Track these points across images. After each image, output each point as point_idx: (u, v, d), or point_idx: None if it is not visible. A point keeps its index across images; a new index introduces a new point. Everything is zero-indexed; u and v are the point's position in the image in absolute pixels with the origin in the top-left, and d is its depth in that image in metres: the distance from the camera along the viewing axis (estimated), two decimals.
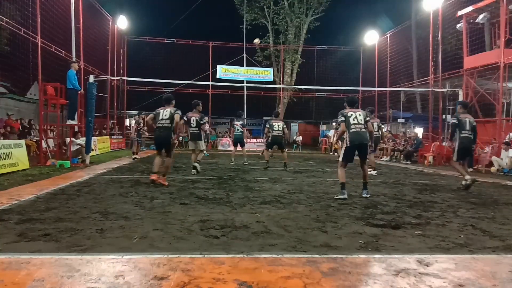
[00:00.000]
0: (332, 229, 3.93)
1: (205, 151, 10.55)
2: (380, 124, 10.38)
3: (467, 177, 7.02)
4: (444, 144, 14.54)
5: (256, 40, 15.27)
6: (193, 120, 8.62)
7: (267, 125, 10.33)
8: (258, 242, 3.38)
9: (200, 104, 9.00)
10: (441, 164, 13.35)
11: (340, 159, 5.94)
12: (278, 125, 10.09)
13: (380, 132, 10.10)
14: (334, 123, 14.50)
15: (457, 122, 7.14)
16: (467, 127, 7.09)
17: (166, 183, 6.64)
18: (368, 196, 5.88)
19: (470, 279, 2.63)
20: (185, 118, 8.25)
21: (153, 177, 6.63)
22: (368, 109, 10.00)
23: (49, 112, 11.27)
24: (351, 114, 5.81)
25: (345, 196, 5.69)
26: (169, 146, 6.81)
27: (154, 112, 6.91)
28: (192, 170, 8.59)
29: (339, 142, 10.57)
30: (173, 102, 7.02)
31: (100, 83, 15.18)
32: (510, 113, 13.72)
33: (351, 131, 5.72)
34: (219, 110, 23.88)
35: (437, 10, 15.76)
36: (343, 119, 5.86)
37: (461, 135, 7.08)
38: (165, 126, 6.70)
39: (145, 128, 13.30)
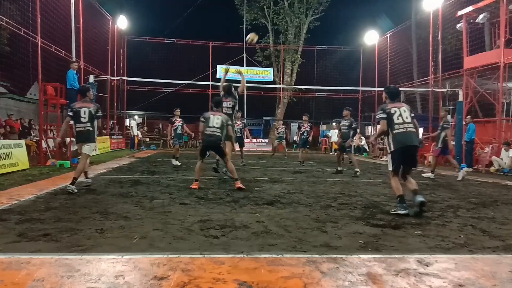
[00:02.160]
0: (332, 229, 3.93)
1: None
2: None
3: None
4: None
5: (251, 36, 12.59)
6: (84, 112, 6.08)
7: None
8: (258, 242, 3.38)
9: (91, 90, 6.62)
10: (441, 164, 13.34)
11: (390, 168, 4.96)
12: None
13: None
14: (334, 123, 14.39)
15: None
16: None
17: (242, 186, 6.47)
18: (422, 200, 4.60)
19: (470, 279, 2.63)
20: (69, 113, 6.22)
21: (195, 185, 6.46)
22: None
23: (49, 112, 11.28)
24: (395, 111, 4.77)
25: (406, 211, 4.59)
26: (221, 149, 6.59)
27: (203, 118, 6.59)
28: (69, 187, 5.69)
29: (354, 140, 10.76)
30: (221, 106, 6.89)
31: (100, 83, 15.19)
32: (510, 113, 13.72)
33: (395, 131, 4.74)
34: None
35: (437, 10, 15.76)
36: (384, 115, 4.83)
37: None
38: (215, 134, 6.43)
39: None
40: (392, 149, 4.80)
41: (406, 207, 4.62)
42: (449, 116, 9.59)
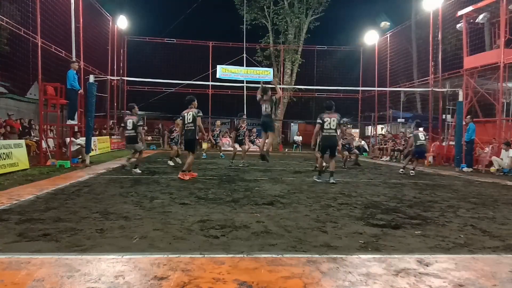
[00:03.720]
0: (332, 229, 3.93)
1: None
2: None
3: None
4: (444, 144, 14.57)
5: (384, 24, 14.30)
6: (129, 123, 8.59)
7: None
8: (258, 242, 3.38)
9: (136, 107, 8.97)
10: (441, 164, 13.35)
11: (316, 150, 8.21)
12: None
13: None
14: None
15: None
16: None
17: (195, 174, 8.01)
18: (334, 182, 7.32)
19: (470, 279, 2.63)
20: (122, 125, 8.81)
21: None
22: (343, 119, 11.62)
23: (49, 112, 11.27)
24: (327, 120, 7.20)
25: (321, 180, 7.40)
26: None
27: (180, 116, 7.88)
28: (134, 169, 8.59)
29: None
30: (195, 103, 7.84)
31: (100, 83, 15.16)
32: (510, 113, 13.72)
33: (323, 134, 7.38)
34: (219, 110, 23.90)
35: (437, 10, 15.75)
36: (320, 121, 7.40)
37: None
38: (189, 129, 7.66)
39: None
40: (321, 144, 7.67)
41: (320, 178, 7.56)
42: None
